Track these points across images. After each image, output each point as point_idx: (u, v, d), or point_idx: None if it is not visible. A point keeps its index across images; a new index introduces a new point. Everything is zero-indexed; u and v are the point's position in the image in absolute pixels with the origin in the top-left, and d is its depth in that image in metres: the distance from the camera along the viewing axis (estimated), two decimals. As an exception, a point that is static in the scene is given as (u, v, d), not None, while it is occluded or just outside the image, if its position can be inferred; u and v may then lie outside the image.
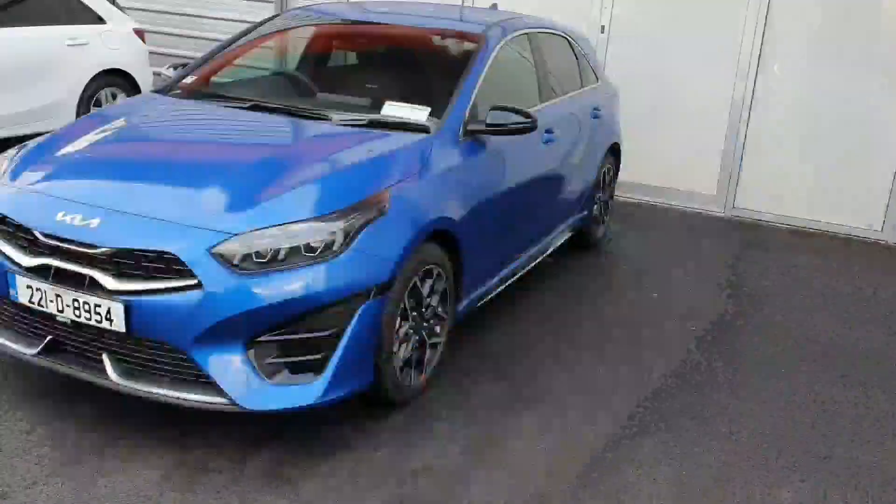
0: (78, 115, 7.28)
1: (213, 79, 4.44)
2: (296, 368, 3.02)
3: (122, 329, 2.91)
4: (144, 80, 7.93)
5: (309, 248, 2.96)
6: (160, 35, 8.61)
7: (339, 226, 3.02)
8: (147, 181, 3.23)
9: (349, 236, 3.03)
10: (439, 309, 3.60)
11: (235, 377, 2.92)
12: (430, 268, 3.44)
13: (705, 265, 5.75)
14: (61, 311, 3.00)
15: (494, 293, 4.27)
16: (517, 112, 3.88)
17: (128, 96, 7.74)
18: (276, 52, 4.86)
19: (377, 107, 3.93)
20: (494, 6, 5.80)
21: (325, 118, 3.83)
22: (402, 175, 3.37)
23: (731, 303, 5.04)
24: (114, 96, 7.68)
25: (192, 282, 2.86)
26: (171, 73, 4.54)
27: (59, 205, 3.08)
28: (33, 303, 3.05)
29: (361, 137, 3.62)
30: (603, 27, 7.26)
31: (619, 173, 6.33)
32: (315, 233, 2.98)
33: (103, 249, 2.93)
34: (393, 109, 3.87)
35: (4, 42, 6.69)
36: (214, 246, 2.89)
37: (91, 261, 2.95)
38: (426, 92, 4.19)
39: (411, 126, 3.75)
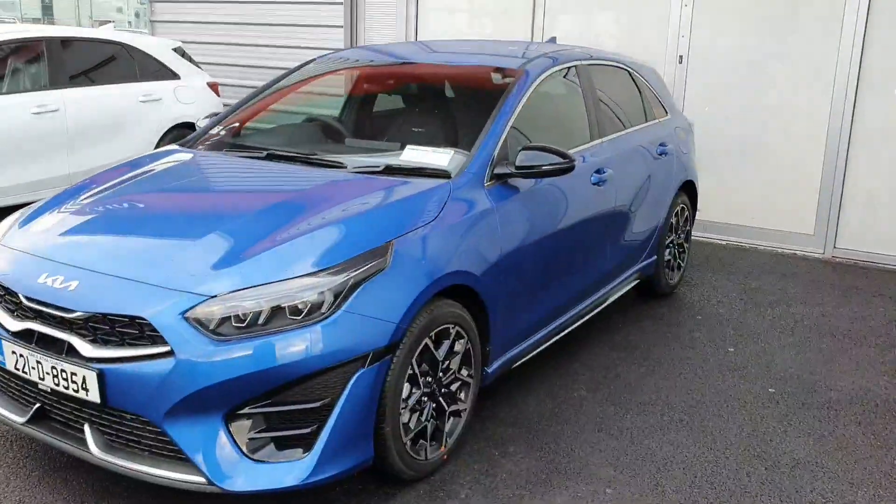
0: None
1: (243, 128, 4.28)
2: (282, 444, 2.73)
3: (98, 399, 2.70)
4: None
5: (295, 311, 2.68)
6: (236, 88, 8.68)
7: (328, 285, 2.73)
8: (133, 239, 3.05)
9: (340, 296, 2.73)
10: (462, 373, 3.24)
11: (213, 454, 2.65)
12: (445, 327, 3.09)
13: (795, 314, 5.14)
14: (42, 379, 2.83)
15: (536, 352, 3.87)
16: (552, 152, 3.51)
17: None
18: (308, 98, 4.67)
19: (396, 150, 3.65)
20: (553, 39, 5.47)
21: (340, 166, 3.58)
22: (410, 226, 3.06)
23: (817, 360, 4.44)
24: (188, 149, 7.76)
25: (164, 349, 2.63)
26: (201, 123, 4.42)
27: (43, 266, 2.93)
28: (18, 369, 2.90)
29: (372, 186, 3.34)
30: (681, 57, 6.79)
31: (699, 213, 5.82)
32: (301, 293, 2.70)
33: (78, 314, 2.74)
34: (413, 154, 3.57)
35: (83, 101, 6.86)
36: (189, 309, 2.65)
37: (69, 326, 2.77)
38: (458, 133, 3.91)
39: (430, 171, 3.45)
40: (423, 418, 3.07)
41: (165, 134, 7.49)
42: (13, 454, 3.26)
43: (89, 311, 2.72)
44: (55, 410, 2.91)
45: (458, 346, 3.19)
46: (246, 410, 2.68)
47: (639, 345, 4.55)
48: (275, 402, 2.69)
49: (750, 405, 3.87)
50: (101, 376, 2.67)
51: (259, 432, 2.70)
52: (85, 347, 2.72)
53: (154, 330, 2.64)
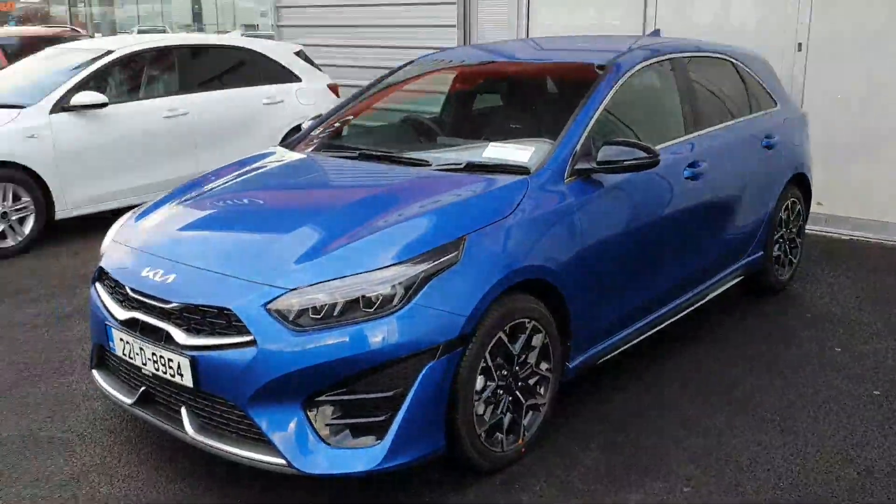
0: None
1: (343, 129, 4.47)
2: (357, 431, 2.87)
3: (191, 384, 2.93)
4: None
5: (367, 303, 2.81)
6: (355, 89, 8.97)
7: (400, 278, 2.84)
8: (228, 235, 3.27)
9: (412, 289, 2.84)
10: (541, 367, 3.29)
11: (292, 438, 2.82)
12: (521, 321, 3.15)
13: (916, 314, 4.86)
14: (144, 365, 3.09)
15: (625, 348, 3.85)
16: (636, 146, 3.49)
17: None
18: (408, 97, 4.80)
19: (480, 147, 3.72)
20: (657, 31, 5.38)
21: (425, 163, 3.68)
22: (484, 221, 3.13)
23: (936, 361, 4.19)
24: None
25: (248, 338, 2.82)
26: (305, 124, 4.64)
27: (146, 260, 3.20)
28: (125, 355, 3.17)
29: (452, 183, 3.43)
30: (800, 45, 6.50)
31: (821, 206, 5.57)
32: (374, 286, 2.82)
33: (174, 304, 2.98)
34: (495, 151, 3.64)
35: (210, 104, 7.32)
36: (270, 301, 2.83)
37: (167, 315, 3.01)
38: (548, 128, 3.91)
39: (510, 167, 3.50)
40: (498, 411, 3.13)
41: (287, 134, 7.85)
42: (127, 433, 3.56)
43: (184, 303, 2.95)
44: (157, 394, 3.17)
45: (536, 341, 3.23)
46: (323, 398, 2.83)
47: (739, 342, 4.44)
48: (350, 390, 2.83)
49: (850, 407, 3.71)
50: (194, 362, 2.90)
51: (335, 419, 2.85)
52: (180, 336, 2.95)
53: (239, 320, 2.84)
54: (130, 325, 3.14)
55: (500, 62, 4.51)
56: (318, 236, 3.06)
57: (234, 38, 8.48)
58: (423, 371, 2.84)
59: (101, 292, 3.36)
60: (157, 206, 3.69)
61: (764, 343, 4.43)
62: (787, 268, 5.23)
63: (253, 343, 2.81)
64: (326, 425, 2.84)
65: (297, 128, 7.88)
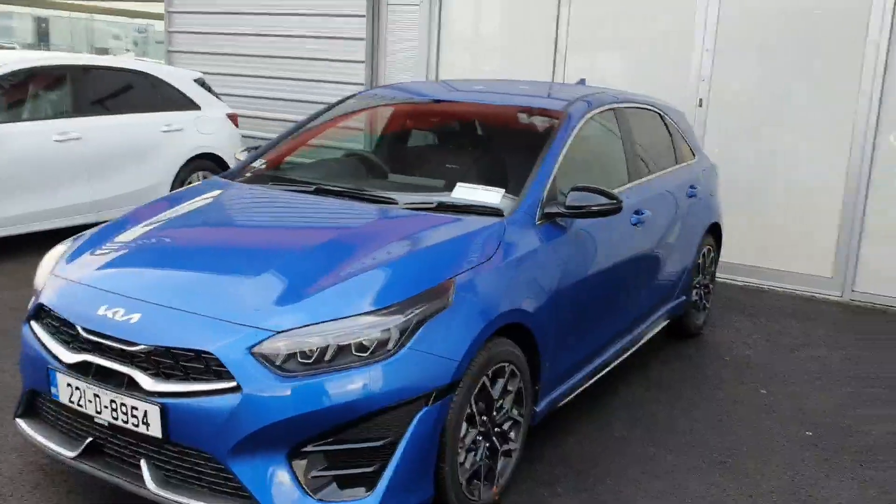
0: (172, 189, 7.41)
1: (285, 162, 4.31)
2: (345, 482, 2.71)
3: (159, 434, 2.68)
4: (233, 163, 8.04)
5: (360, 347, 2.68)
6: (255, 120, 8.72)
7: (394, 321, 2.73)
8: (193, 272, 3.05)
9: (406, 333, 2.73)
10: (514, 412, 3.24)
11: (276, 491, 2.63)
12: (501, 366, 3.10)
13: (820, 358, 5.16)
14: (99, 413, 2.81)
15: (579, 391, 3.87)
16: (601, 193, 3.54)
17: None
18: (350, 133, 4.70)
19: (450, 188, 3.67)
20: (582, 81, 5.53)
21: (392, 202, 3.59)
22: (470, 263, 3.07)
23: (849, 403, 4.45)
24: (205, 178, 7.78)
25: (231, 384, 2.62)
26: (244, 156, 4.44)
27: (101, 298, 2.92)
28: (73, 402, 2.87)
29: (427, 222, 3.36)
30: (701, 101, 6.88)
31: (721, 254, 5.85)
32: (367, 329, 2.70)
33: (141, 347, 2.73)
34: (464, 192, 3.60)
35: (106, 129, 6.88)
36: (255, 345, 2.65)
37: (130, 359, 2.76)
38: (503, 172, 3.94)
39: (483, 209, 3.47)
40: (477, 458, 3.06)
41: (186, 164, 7.51)
42: (61, 489, 3.22)
43: (153, 345, 2.71)
44: (109, 445, 2.89)
45: (511, 385, 3.19)
46: (309, 448, 2.66)
47: (671, 385, 4.56)
48: (337, 440, 2.68)
49: (788, 448, 3.88)
50: (164, 411, 2.66)
51: (321, 470, 2.69)
52: (146, 381, 2.70)
53: (220, 365, 2.63)
54: (80, 368, 2.86)
55: (449, 102, 4.48)
56: (298, 275, 2.90)
57: (131, 61, 8.06)
58: (416, 418, 2.73)
59: (40, 332, 3.04)
60: (99, 238, 3.40)
61: (694, 386, 4.58)
62: (702, 312, 5.46)
63: (236, 389, 2.61)
64: (312, 478, 2.67)
65: (198, 157, 7.60)
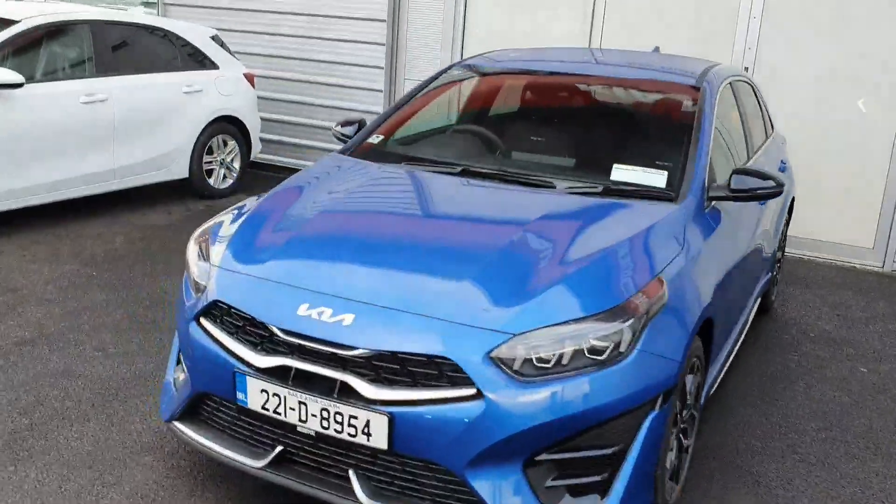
0: (192, 163, 6.99)
1: (392, 138, 4.04)
2: (575, 491, 2.56)
3: (384, 445, 2.48)
4: (254, 127, 7.65)
5: (594, 350, 2.51)
6: (267, 80, 8.30)
7: (626, 322, 2.57)
8: (395, 268, 2.81)
9: (636, 334, 2.58)
10: (693, 408, 3.13)
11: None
12: (693, 362, 2.98)
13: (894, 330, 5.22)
14: (304, 421, 2.58)
15: (719, 380, 3.79)
16: (765, 176, 3.42)
17: (238, 144, 7.46)
18: (459, 108, 4.42)
19: (585, 168, 3.48)
20: (657, 49, 5.38)
21: (549, 185, 3.40)
22: (668, 255, 2.93)
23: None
24: (225, 143, 7.39)
25: (470, 391, 2.43)
26: (343, 130, 4.15)
27: (299, 295, 2.67)
28: (267, 409, 2.64)
29: (606, 210, 3.18)
30: (746, 69, 6.80)
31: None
32: (600, 331, 2.53)
33: (361, 351, 2.50)
34: (625, 174, 3.43)
35: (130, 91, 6.43)
36: (494, 349, 2.46)
37: (344, 364, 2.53)
38: (643, 150, 3.75)
39: (651, 193, 3.31)
40: (673, 458, 2.95)
41: (206, 127, 7.10)
42: (221, 495, 2.99)
43: (375, 349, 2.49)
44: (304, 454, 2.67)
45: (696, 381, 3.08)
46: (543, 457, 2.51)
47: (778, 367, 4.53)
48: (570, 447, 2.52)
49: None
50: (392, 420, 2.45)
51: (553, 480, 2.53)
52: (366, 388, 2.49)
53: (457, 370, 2.44)
54: (276, 374, 2.62)
55: (565, 75, 4.26)
56: (512, 273, 2.71)
57: (150, 17, 7.53)
58: (647, 422, 2.59)
59: (216, 332, 2.78)
60: (253, 226, 3.11)
61: (802, 368, 4.55)
62: (774, 286, 5.44)
63: (476, 397, 2.42)
64: (546, 488, 2.52)
65: (218, 120, 7.19)
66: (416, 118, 4.15)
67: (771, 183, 3.40)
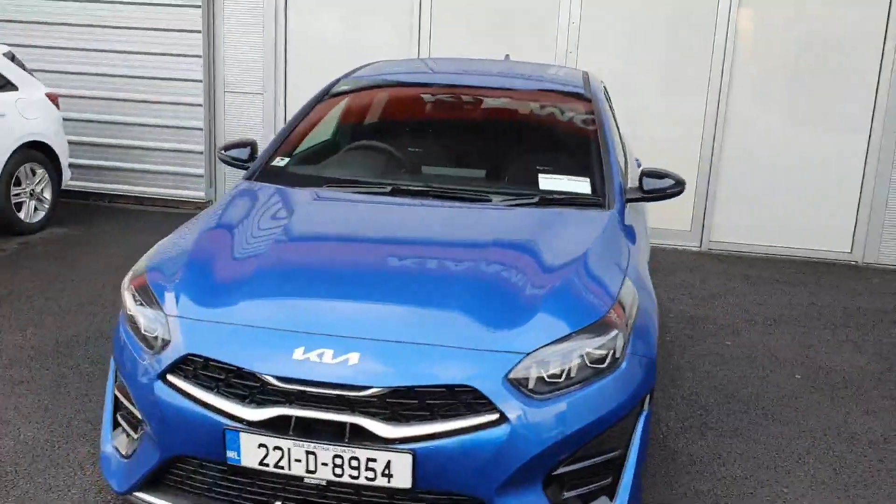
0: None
1: (302, 159, 3.87)
2: (587, 498, 2.62)
3: (408, 484, 2.39)
4: (63, 152, 6.97)
5: (595, 360, 2.58)
6: (71, 100, 7.57)
7: (617, 329, 2.66)
8: (382, 300, 2.69)
9: (626, 339, 2.68)
10: None
11: (540, 524, 2.48)
12: None
13: (740, 300, 5.79)
14: (312, 472, 2.42)
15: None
16: (668, 175, 3.66)
17: (48, 172, 6.75)
18: (356, 122, 4.28)
19: (495, 180, 3.64)
20: (507, 57, 5.57)
21: (486, 199, 3.43)
22: (626, 259, 3.06)
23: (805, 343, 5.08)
24: (33, 172, 6.67)
25: (493, 417, 2.40)
26: (232, 153, 3.91)
27: (290, 339, 2.49)
28: (266, 465, 2.44)
29: (556, 219, 3.28)
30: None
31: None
32: (598, 341, 2.60)
33: (375, 390, 2.39)
34: (551, 182, 3.54)
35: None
36: (510, 371, 2.45)
37: (352, 405, 2.41)
38: (549, 158, 3.87)
39: (581, 200, 3.44)
40: None
41: (11, 156, 6.36)
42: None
43: (389, 387, 2.39)
44: (307, 504, 2.51)
45: None
46: (558, 472, 2.54)
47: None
48: (578, 458, 2.57)
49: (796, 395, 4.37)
50: (415, 457, 2.37)
51: (567, 491, 2.57)
52: (382, 428, 2.38)
53: (477, 397, 2.41)
54: (274, 425, 2.43)
55: (457, 86, 4.28)
56: (503, 292, 2.71)
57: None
58: (640, 422, 2.71)
59: (192, 389, 2.52)
60: (198, 266, 2.85)
61: (675, 346, 4.93)
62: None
63: (500, 421, 2.40)
64: (563, 500, 2.55)
65: (26, 146, 6.47)
66: (313, 136, 4.00)
67: (673, 181, 3.65)
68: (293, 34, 7.58)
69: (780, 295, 6.06)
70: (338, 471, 2.40)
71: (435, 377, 2.41)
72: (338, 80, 4.30)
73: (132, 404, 2.74)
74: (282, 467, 2.43)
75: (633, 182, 3.74)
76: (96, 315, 4.93)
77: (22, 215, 6.58)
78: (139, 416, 2.70)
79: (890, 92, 6.79)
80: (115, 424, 2.90)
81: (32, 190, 6.69)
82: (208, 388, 2.51)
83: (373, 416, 2.40)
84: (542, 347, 2.52)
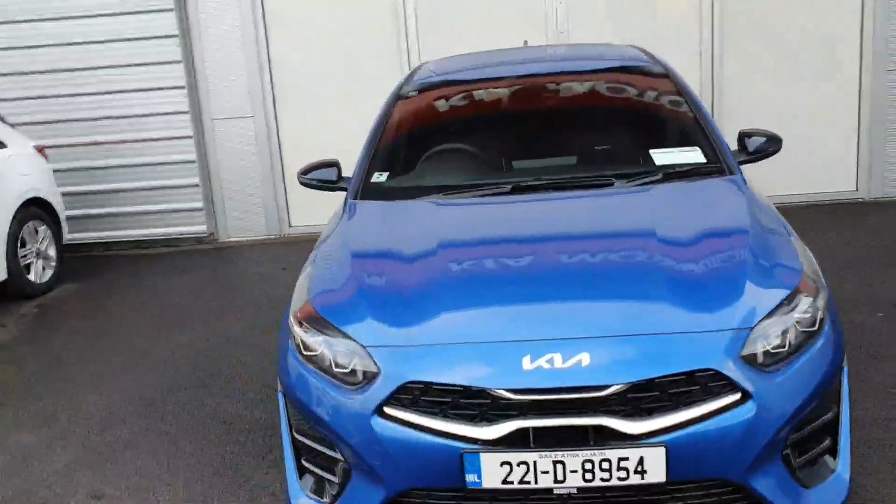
0: (8, 261, 5.86)
1: (400, 171, 3.78)
2: (814, 462, 2.60)
3: (662, 478, 2.33)
4: (60, 205, 6.64)
5: (806, 325, 2.55)
6: (57, 149, 7.21)
7: (816, 289, 2.67)
8: (582, 297, 2.63)
9: (826, 298, 2.68)
10: None
11: (783, 495, 2.46)
12: None
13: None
14: (561, 481, 2.34)
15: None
16: (766, 134, 3.68)
17: (49, 228, 6.42)
18: (435, 126, 4.14)
19: (622, 160, 3.61)
20: (525, 43, 5.53)
21: (609, 183, 3.37)
22: (780, 219, 3.10)
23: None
24: (36, 230, 6.33)
25: (735, 397, 2.37)
26: (316, 175, 3.79)
27: (512, 349, 2.41)
28: (510, 482, 2.35)
29: (697, 191, 3.28)
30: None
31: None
32: (804, 305, 2.58)
33: (616, 388, 2.33)
34: (665, 157, 3.51)
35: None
36: (741, 349, 2.41)
37: (592, 407, 2.34)
38: (654, 135, 3.84)
39: (703, 170, 3.42)
40: None
41: (14, 216, 6.01)
42: None
43: (628, 382, 2.33)
44: (546, 517, 2.44)
45: None
46: (791, 440, 2.51)
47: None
48: (805, 423, 2.54)
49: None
50: (667, 450, 2.31)
51: (797, 458, 2.55)
52: (628, 425, 2.33)
53: (715, 380, 2.36)
54: (511, 440, 2.35)
55: (523, 77, 4.19)
56: (694, 277, 2.66)
57: None
58: (844, 378, 2.71)
59: (416, 418, 2.41)
60: (374, 290, 2.76)
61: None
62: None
63: (744, 400, 2.37)
64: (798, 468, 2.53)
65: (30, 203, 6.13)
66: (400, 145, 3.89)
67: (770, 138, 3.66)
68: (277, 52, 7.38)
69: (811, 241, 6.16)
70: (588, 476, 2.33)
71: (673, 365, 2.36)
72: (401, 86, 4.19)
73: (327, 447, 2.62)
74: (527, 482, 2.35)
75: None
76: (166, 362, 4.71)
77: (32, 277, 6.25)
78: (340, 458, 2.58)
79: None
80: (303, 472, 2.76)
81: (38, 249, 6.35)
82: (433, 414, 2.41)
83: (614, 414, 2.34)
84: (760, 322, 2.48)
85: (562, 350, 2.38)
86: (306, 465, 2.75)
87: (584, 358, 2.37)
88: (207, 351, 4.83)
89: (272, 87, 7.43)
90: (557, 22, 7.16)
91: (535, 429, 2.34)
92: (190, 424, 3.91)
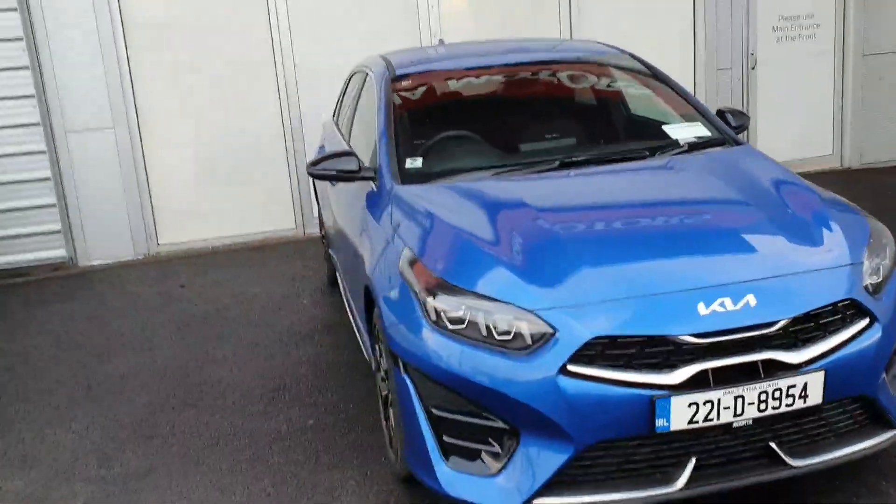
0: None
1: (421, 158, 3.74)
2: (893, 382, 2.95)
3: (819, 400, 2.58)
4: None
5: (891, 259, 2.93)
6: None
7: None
8: (717, 248, 2.83)
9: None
10: None
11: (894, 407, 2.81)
12: None
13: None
14: (740, 415, 2.51)
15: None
16: (734, 112, 4.11)
17: None
18: (434, 115, 4.12)
19: (636, 137, 3.91)
20: (441, 41, 5.68)
21: (642, 156, 3.61)
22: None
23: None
24: None
25: (865, 322, 2.69)
26: (336, 165, 3.66)
27: (683, 298, 2.58)
28: (696, 422, 2.49)
29: (728, 157, 3.58)
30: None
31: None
32: (884, 242, 2.99)
33: (782, 323, 2.55)
34: (677, 131, 3.80)
35: None
36: (863, 279, 2.75)
37: (762, 343, 2.54)
38: (651, 115, 4.15)
39: (718, 141, 3.76)
40: None
41: None
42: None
43: (791, 317, 2.57)
44: (715, 455, 2.60)
45: None
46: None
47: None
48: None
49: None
50: (825, 374, 2.57)
51: (893, 378, 2.85)
52: (792, 356, 2.56)
53: (849, 308, 2.67)
54: (694, 383, 2.48)
55: (503, 66, 4.32)
56: (791, 227, 2.93)
57: None
58: None
59: (602, 372, 2.48)
60: (518, 255, 2.79)
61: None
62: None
63: (872, 324, 2.69)
64: (892, 379, 2.86)
65: None
66: (411, 134, 3.86)
67: (741, 115, 4.10)
68: (136, 54, 6.83)
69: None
70: (762, 406, 2.52)
71: (824, 298, 2.64)
72: (382, 80, 4.11)
73: (482, 419, 2.59)
74: (710, 420, 2.49)
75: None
76: (122, 393, 4.25)
77: None
78: (503, 425, 2.56)
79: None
80: (443, 449, 2.70)
81: None
82: (617, 367, 2.48)
83: (778, 347, 2.55)
84: (865, 257, 2.83)
85: (730, 294, 2.57)
86: (452, 442, 2.68)
87: (751, 299, 2.56)
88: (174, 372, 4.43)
89: (133, 96, 6.87)
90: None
91: (714, 369, 2.49)
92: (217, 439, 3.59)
